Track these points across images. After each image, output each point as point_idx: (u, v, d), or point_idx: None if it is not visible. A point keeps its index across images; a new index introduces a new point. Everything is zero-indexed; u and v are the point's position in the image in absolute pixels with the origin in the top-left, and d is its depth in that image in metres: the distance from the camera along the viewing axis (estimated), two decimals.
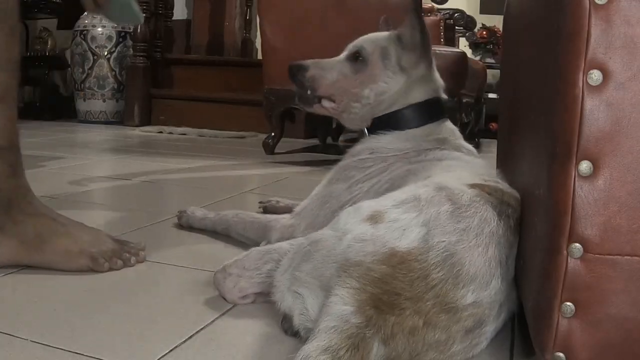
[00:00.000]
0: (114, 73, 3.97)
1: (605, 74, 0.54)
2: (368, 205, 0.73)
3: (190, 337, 0.73)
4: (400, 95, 1.10)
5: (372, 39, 1.14)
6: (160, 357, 0.68)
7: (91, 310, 0.81)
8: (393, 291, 0.62)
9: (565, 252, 0.56)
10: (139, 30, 3.83)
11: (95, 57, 3.92)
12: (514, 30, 0.95)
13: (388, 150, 1.06)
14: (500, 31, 4.28)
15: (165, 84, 4.21)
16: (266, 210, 1.42)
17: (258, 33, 3.08)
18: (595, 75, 0.54)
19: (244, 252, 0.84)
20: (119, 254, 0.98)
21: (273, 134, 2.73)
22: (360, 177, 1.05)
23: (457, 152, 1.03)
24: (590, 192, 0.54)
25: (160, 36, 4.20)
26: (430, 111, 1.10)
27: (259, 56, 3.41)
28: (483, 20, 5.09)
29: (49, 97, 4.28)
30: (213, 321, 0.79)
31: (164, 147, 2.85)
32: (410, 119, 1.09)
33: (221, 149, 2.85)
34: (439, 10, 3.97)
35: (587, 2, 0.53)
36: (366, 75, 1.11)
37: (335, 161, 1.16)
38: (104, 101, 3.97)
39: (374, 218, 0.69)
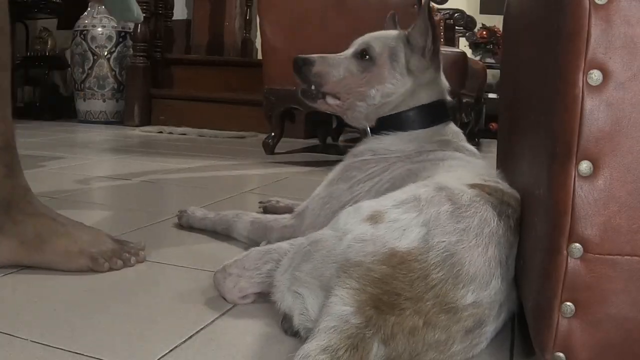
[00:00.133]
0: (114, 73, 3.97)
1: (605, 74, 0.54)
2: (368, 205, 0.73)
3: (190, 337, 0.73)
4: (406, 97, 1.09)
5: (380, 38, 1.12)
6: (160, 357, 0.68)
7: (91, 310, 0.81)
8: (393, 291, 0.62)
9: (565, 252, 0.56)
10: (139, 30, 3.83)
11: (95, 57, 3.92)
12: (514, 30, 0.95)
13: (390, 152, 1.06)
14: (500, 31, 4.28)
15: (165, 84, 4.21)
16: (266, 210, 1.41)
17: (258, 33, 3.08)
18: (595, 75, 0.54)
19: (244, 252, 0.84)
20: (119, 254, 0.98)
21: (273, 134, 2.73)
22: (361, 177, 1.05)
23: (458, 153, 1.03)
24: (590, 192, 0.54)
25: (160, 36, 4.20)
26: (434, 113, 1.10)
27: (259, 56, 3.41)
28: (483, 20, 5.08)
29: (49, 97, 4.28)
30: (213, 321, 0.79)
31: (164, 147, 2.85)
32: (415, 121, 1.09)
33: (221, 149, 2.86)
34: (439, 10, 3.97)
35: (587, 2, 0.53)
36: (373, 74, 1.11)
37: (335, 161, 1.16)
38: (104, 101, 3.97)
39: (374, 218, 0.69)
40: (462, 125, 2.70)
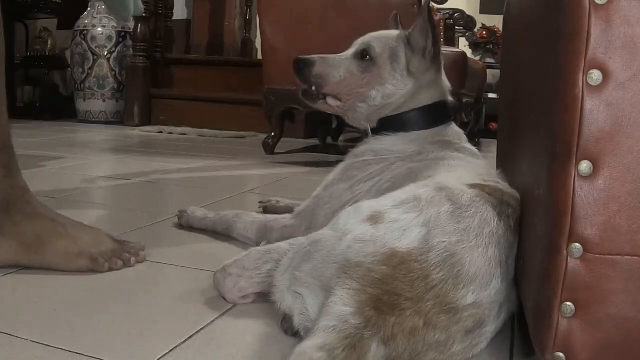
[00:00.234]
0: (114, 73, 3.97)
1: (605, 74, 0.54)
2: (368, 206, 0.73)
3: (190, 337, 0.73)
4: (407, 99, 1.09)
5: (381, 38, 1.12)
6: (160, 357, 0.68)
7: (91, 310, 0.81)
8: (393, 292, 0.62)
9: (565, 252, 0.56)
10: (139, 30, 3.83)
11: (95, 57, 3.92)
12: (514, 30, 0.95)
13: (391, 153, 1.06)
14: (500, 31, 4.28)
15: (165, 84, 4.21)
16: (266, 210, 1.41)
17: (258, 33, 3.08)
18: (595, 75, 0.54)
19: (244, 252, 0.84)
20: (119, 254, 0.98)
21: (273, 134, 2.73)
22: (361, 177, 1.05)
23: (459, 153, 1.03)
24: (590, 192, 0.54)
25: (160, 36, 4.20)
26: (436, 114, 1.10)
27: (259, 56, 3.41)
28: (483, 20, 5.08)
29: (49, 97, 4.28)
30: (213, 321, 0.79)
31: (164, 147, 2.85)
32: (416, 122, 1.08)
33: (221, 149, 2.86)
34: (439, 10, 3.97)
35: (587, 2, 0.53)
36: (374, 75, 1.10)
37: (336, 162, 1.16)
38: (104, 101, 3.97)
39: (374, 218, 0.69)
40: (462, 125, 2.70)
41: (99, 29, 3.92)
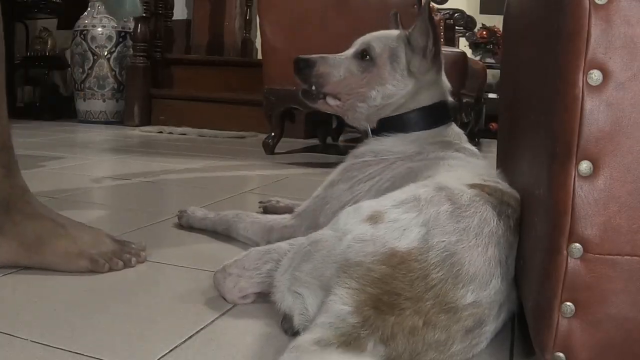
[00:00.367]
0: (114, 73, 3.97)
1: (605, 74, 0.54)
2: (368, 205, 0.73)
3: (190, 337, 0.73)
4: (407, 99, 1.09)
5: (381, 38, 1.12)
6: (160, 357, 0.68)
7: (91, 310, 0.81)
8: (393, 291, 0.62)
9: (565, 252, 0.56)
10: (139, 30, 3.83)
11: (95, 57, 3.92)
12: (514, 30, 0.95)
13: (391, 153, 1.06)
14: (500, 31, 4.28)
15: (165, 84, 4.21)
16: (266, 210, 1.41)
17: (258, 33, 3.08)
18: (595, 75, 0.54)
19: (244, 252, 0.84)
20: (119, 255, 0.98)
21: (273, 134, 2.73)
22: (361, 177, 1.05)
23: (459, 153, 1.03)
24: (590, 192, 0.54)
25: (160, 36, 4.20)
26: (436, 115, 1.10)
27: (259, 56, 3.41)
28: (483, 20, 5.08)
29: (49, 97, 4.28)
30: (213, 321, 0.79)
31: (164, 147, 2.85)
32: (417, 122, 1.08)
33: (221, 149, 2.86)
34: (439, 10, 3.97)
35: (587, 2, 0.53)
36: (373, 75, 1.10)
37: (336, 162, 1.16)
38: (104, 101, 3.97)
39: (374, 218, 0.69)
40: (462, 125, 2.70)
41: (99, 29, 3.92)
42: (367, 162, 1.07)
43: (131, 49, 3.95)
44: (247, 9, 4.60)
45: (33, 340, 0.70)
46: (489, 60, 4.86)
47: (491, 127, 4.23)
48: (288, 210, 1.28)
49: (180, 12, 4.66)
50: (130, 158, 2.41)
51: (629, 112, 0.54)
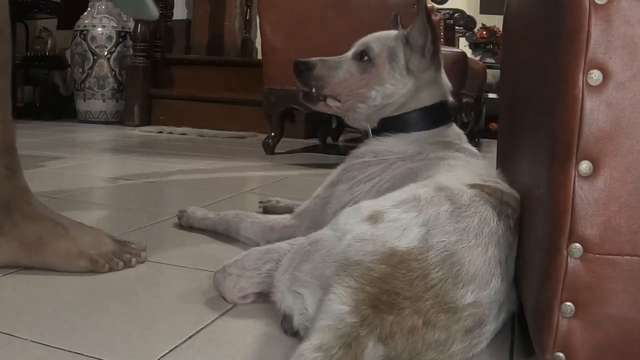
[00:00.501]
0: (114, 73, 3.97)
1: (605, 74, 0.54)
2: (368, 205, 0.73)
3: (190, 337, 0.73)
4: (408, 99, 1.09)
5: (379, 38, 1.12)
6: (160, 357, 0.68)
7: (91, 310, 0.81)
8: (392, 291, 0.62)
9: (565, 252, 0.56)
10: (139, 30, 3.83)
11: (95, 57, 3.92)
12: (514, 30, 0.95)
13: (392, 153, 1.06)
14: (500, 31, 4.28)
15: (165, 84, 4.21)
16: (266, 210, 1.41)
17: (258, 33, 3.08)
18: (595, 75, 0.54)
19: (244, 252, 0.84)
20: (120, 255, 0.98)
21: (273, 134, 2.73)
22: (361, 178, 1.05)
23: (459, 153, 1.03)
24: (590, 192, 0.54)
25: (160, 36, 4.20)
26: (436, 115, 1.10)
27: (259, 56, 3.41)
28: (483, 20, 5.08)
29: (49, 97, 4.28)
30: (213, 321, 0.79)
31: (164, 147, 2.85)
32: (417, 123, 1.08)
33: (221, 149, 2.86)
34: (439, 10, 3.97)
35: (587, 2, 0.53)
36: (372, 75, 1.10)
37: (336, 162, 1.16)
38: (104, 101, 3.97)
39: (374, 218, 0.69)
40: (462, 125, 2.70)
41: (99, 29, 3.92)
42: (368, 162, 1.07)
43: (131, 49, 3.95)
44: (247, 9, 4.60)
45: (33, 340, 0.70)
46: (489, 60, 4.86)
47: (491, 127, 4.23)
48: (288, 210, 1.28)
49: (180, 12, 4.66)
50: (130, 158, 2.41)
51: (629, 112, 0.54)
